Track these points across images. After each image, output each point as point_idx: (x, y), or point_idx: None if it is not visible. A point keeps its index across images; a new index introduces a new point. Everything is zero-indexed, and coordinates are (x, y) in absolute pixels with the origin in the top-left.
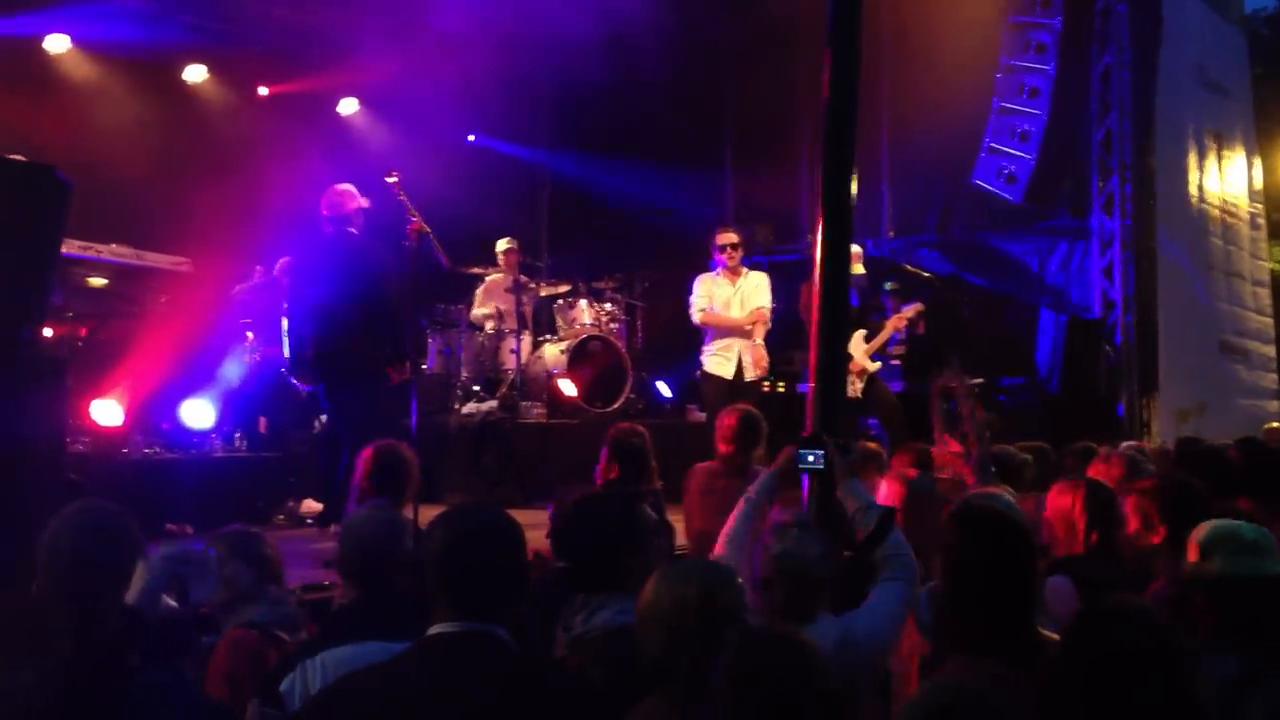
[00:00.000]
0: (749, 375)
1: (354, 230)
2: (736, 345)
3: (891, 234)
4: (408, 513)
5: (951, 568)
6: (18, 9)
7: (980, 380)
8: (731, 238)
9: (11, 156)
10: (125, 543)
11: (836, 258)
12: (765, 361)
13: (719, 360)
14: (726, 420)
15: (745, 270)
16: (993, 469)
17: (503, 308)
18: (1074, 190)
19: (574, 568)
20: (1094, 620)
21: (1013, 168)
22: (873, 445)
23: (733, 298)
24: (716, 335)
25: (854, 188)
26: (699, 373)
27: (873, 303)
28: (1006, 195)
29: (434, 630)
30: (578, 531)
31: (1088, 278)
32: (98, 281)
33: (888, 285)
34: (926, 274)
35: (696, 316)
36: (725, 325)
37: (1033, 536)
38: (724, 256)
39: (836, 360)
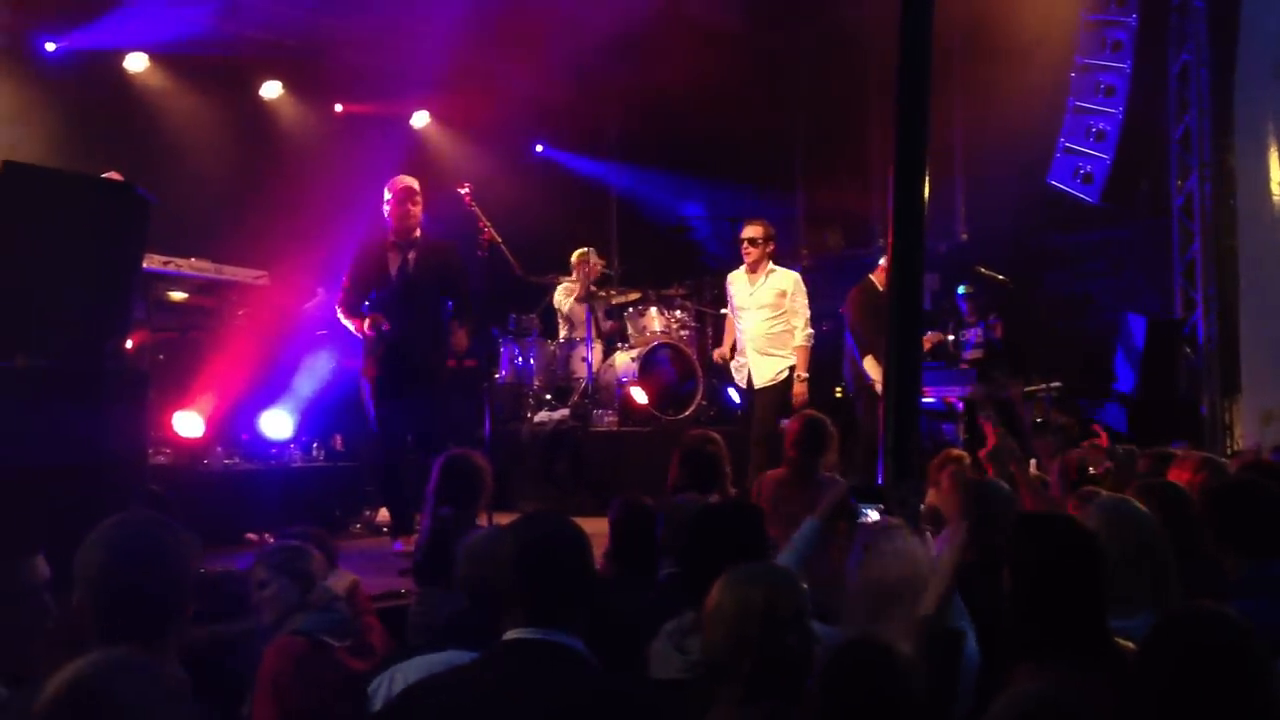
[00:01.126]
0: (759, 382)
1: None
2: (749, 350)
3: (964, 236)
4: (481, 521)
5: (1018, 574)
6: (96, 24)
7: (1058, 384)
8: (750, 231)
9: (100, 175)
10: (158, 560)
11: (908, 261)
12: (802, 387)
13: (736, 366)
14: (792, 425)
15: (771, 268)
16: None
17: (574, 316)
18: (1152, 189)
19: (692, 583)
20: (1173, 624)
21: (1089, 167)
22: (955, 451)
23: (749, 298)
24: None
25: (926, 189)
26: None
27: (945, 306)
28: (1083, 195)
29: (508, 636)
30: (697, 545)
31: (1167, 278)
32: (178, 295)
33: (961, 289)
34: (1001, 277)
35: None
36: (728, 330)
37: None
38: (742, 251)
39: (909, 369)
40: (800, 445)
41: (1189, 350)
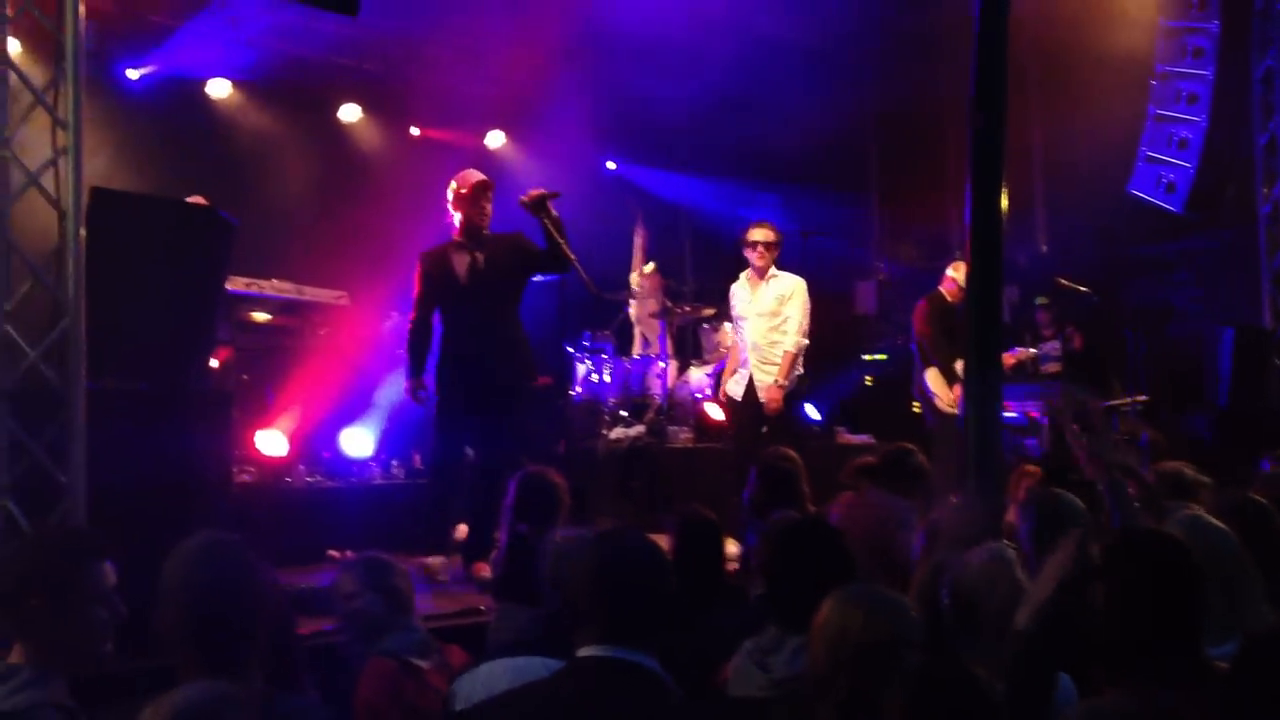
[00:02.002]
0: (762, 395)
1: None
2: (751, 359)
3: (1044, 247)
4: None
5: (1114, 591)
6: (177, 52)
7: (1144, 397)
8: (761, 234)
9: (186, 200)
10: (240, 580)
11: (986, 273)
12: (777, 393)
13: (736, 379)
14: (867, 460)
15: (774, 273)
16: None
17: (648, 333)
18: (1238, 197)
19: (779, 601)
20: (1263, 645)
21: (1172, 176)
22: (1031, 466)
23: (749, 306)
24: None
25: (1004, 200)
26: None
27: (1025, 318)
28: (1166, 205)
29: (583, 653)
30: (788, 562)
31: (1255, 287)
32: (261, 316)
33: (1040, 300)
34: (1083, 288)
35: None
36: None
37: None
38: (753, 256)
39: (990, 383)
40: (881, 476)
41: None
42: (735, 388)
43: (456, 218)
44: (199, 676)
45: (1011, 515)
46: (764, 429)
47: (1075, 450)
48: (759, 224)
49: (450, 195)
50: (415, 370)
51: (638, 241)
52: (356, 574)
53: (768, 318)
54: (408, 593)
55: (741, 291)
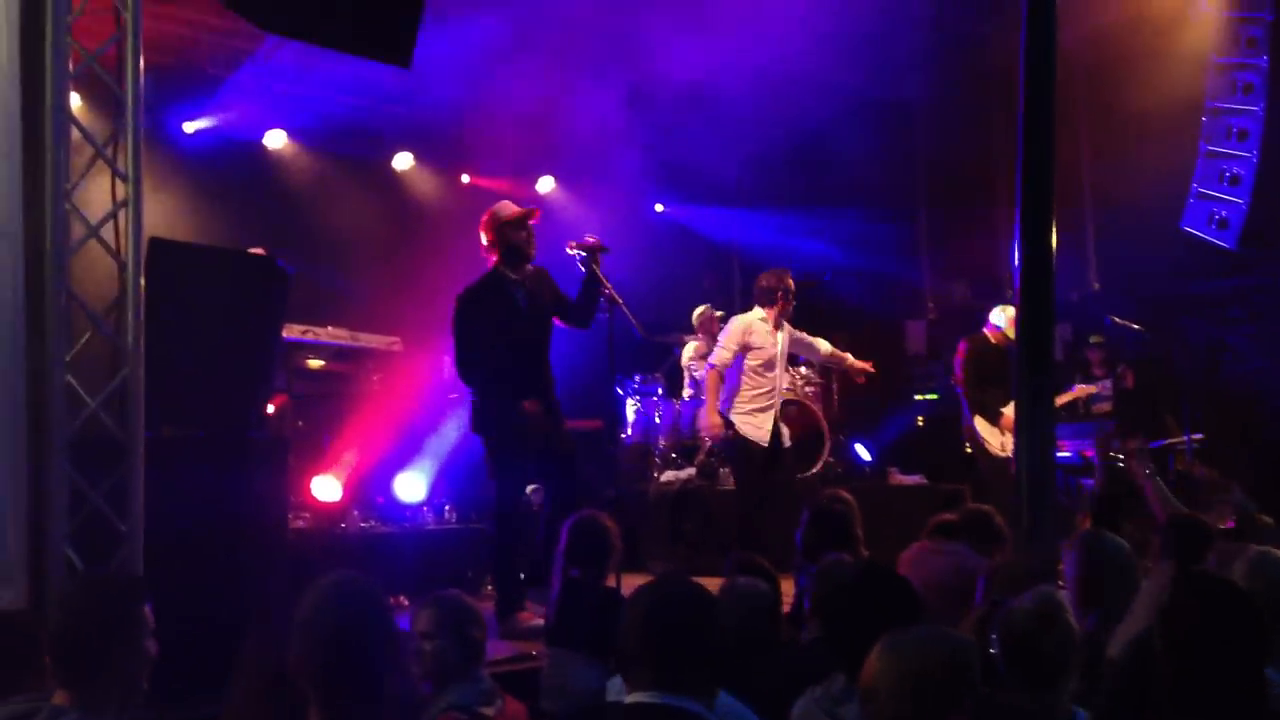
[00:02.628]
0: (785, 440)
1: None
2: (777, 406)
3: (1096, 285)
4: (610, 582)
5: (1173, 637)
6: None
7: (1200, 435)
8: (790, 281)
9: (243, 250)
10: (375, 618)
11: (1038, 312)
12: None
13: (756, 423)
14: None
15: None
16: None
17: (699, 376)
18: None
19: (845, 648)
20: None
21: (1224, 213)
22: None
23: (778, 351)
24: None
25: (1054, 238)
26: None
27: (1077, 357)
28: (1219, 241)
29: (631, 699)
30: (852, 608)
31: None
32: (316, 363)
33: (1092, 338)
34: (1136, 325)
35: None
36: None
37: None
38: (787, 303)
39: (1041, 425)
40: (961, 534)
41: None
42: (759, 431)
43: (499, 246)
44: (325, 715)
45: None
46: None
47: (1139, 486)
48: (784, 271)
49: (490, 223)
50: (504, 393)
51: (707, 328)
52: (435, 615)
53: (785, 361)
54: (482, 642)
55: (766, 335)
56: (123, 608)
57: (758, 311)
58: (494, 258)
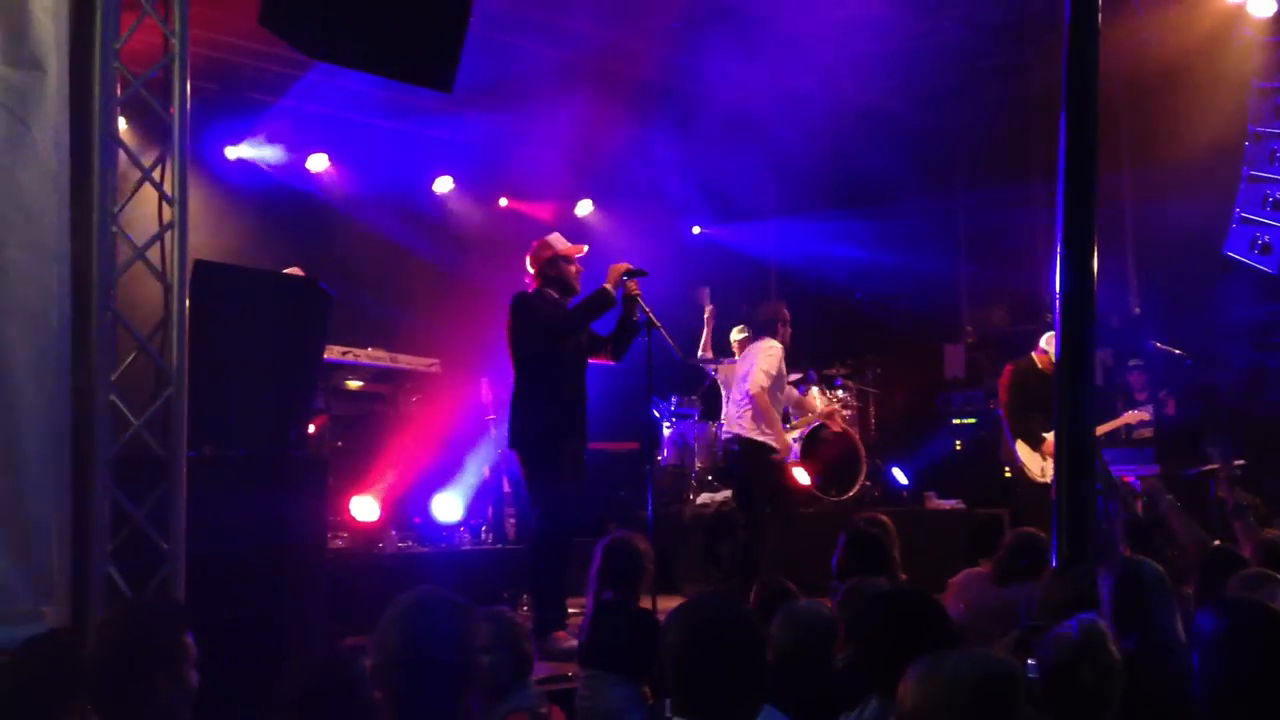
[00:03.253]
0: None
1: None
2: None
3: (1137, 310)
4: (645, 603)
5: (1211, 669)
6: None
7: (1243, 461)
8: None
9: (284, 271)
10: (450, 632)
11: (1078, 338)
12: None
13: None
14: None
15: None
16: None
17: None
18: None
19: (875, 670)
20: None
21: (1267, 238)
22: None
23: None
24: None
25: (1095, 262)
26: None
27: (1118, 382)
28: (1262, 266)
29: None
30: (883, 630)
31: None
32: (355, 384)
33: (1132, 362)
34: (1177, 350)
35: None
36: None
37: None
38: (785, 329)
39: (1081, 452)
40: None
41: None
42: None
43: (545, 277)
44: None
45: None
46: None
47: (1171, 520)
48: (782, 302)
49: (539, 253)
50: (556, 410)
51: (707, 317)
52: (492, 630)
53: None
54: (531, 657)
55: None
56: (165, 635)
57: (772, 341)
58: (535, 285)
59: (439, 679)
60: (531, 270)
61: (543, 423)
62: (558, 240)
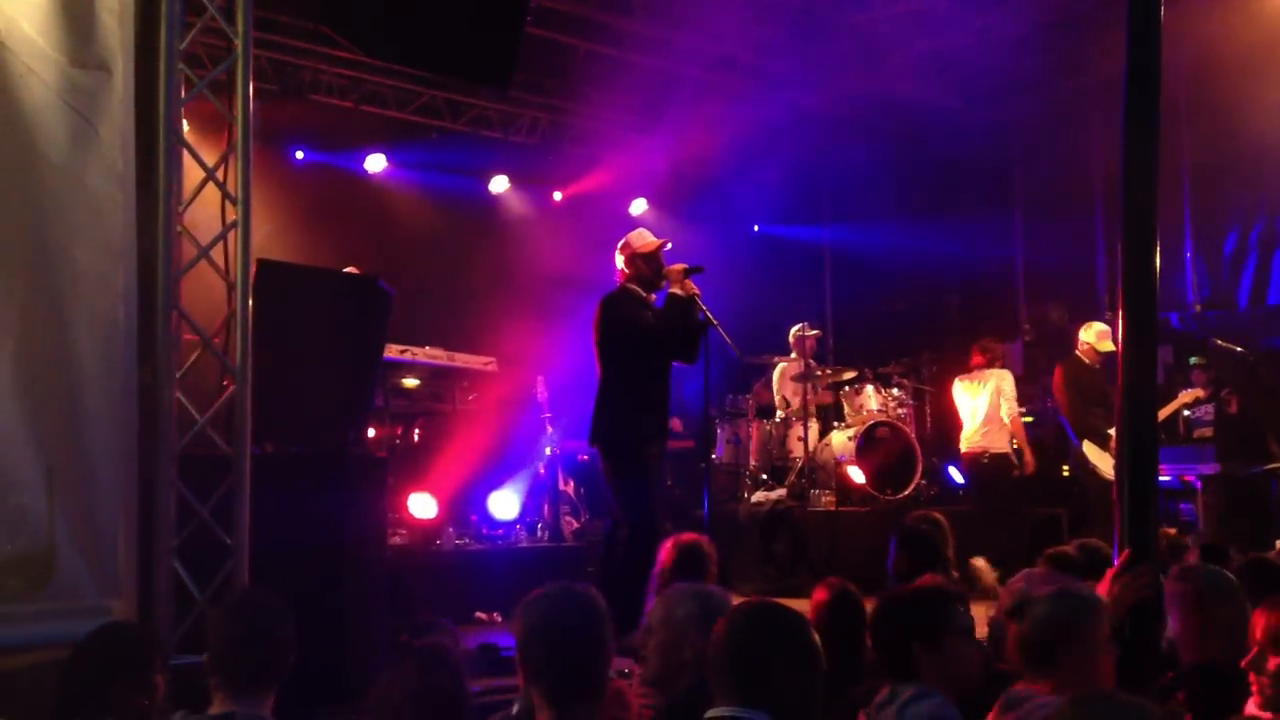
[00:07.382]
0: None
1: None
2: None
3: (1198, 307)
4: None
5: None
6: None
7: None
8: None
9: (345, 270)
10: (598, 622)
11: (1141, 334)
12: None
13: None
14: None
15: None
16: None
17: (790, 396)
18: None
19: (885, 658)
20: None
21: None
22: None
23: None
24: None
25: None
26: None
27: (1179, 379)
28: None
29: (710, 714)
30: (881, 625)
31: None
32: (412, 383)
33: (1193, 360)
34: (1240, 349)
35: None
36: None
37: None
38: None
39: (1145, 450)
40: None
41: None
42: None
43: (631, 274)
44: (552, 708)
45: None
46: None
47: None
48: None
49: (624, 250)
50: (650, 409)
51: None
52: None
53: None
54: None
55: None
56: (277, 622)
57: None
58: (621, 278)
59: (582, 662)
60: (619, 264)
61: (633, 426)
62: (639, 237)
